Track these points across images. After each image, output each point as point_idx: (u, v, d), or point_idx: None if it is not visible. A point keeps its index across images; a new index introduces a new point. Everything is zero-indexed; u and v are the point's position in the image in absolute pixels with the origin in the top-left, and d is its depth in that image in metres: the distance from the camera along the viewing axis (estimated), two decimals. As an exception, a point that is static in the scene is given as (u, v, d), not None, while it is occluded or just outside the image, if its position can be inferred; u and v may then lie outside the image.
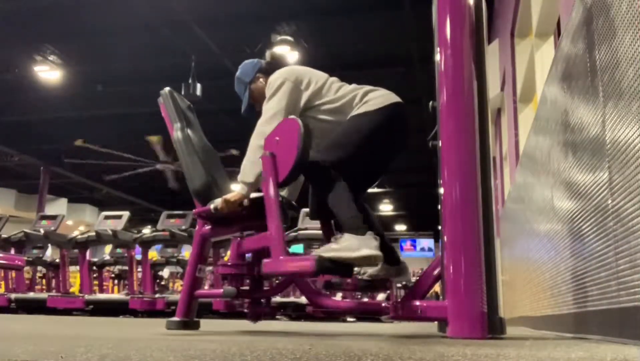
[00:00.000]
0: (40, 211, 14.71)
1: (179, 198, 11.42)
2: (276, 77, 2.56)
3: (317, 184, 2.45)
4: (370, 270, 2.61)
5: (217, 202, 2.54)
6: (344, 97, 2.51)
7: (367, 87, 2.53)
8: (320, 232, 2.85)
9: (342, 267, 2.17)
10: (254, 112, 2.72)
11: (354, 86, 2.57)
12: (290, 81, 2.52)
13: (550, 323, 3.19)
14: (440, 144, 2.24)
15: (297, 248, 7.43)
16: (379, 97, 2.47)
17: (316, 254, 2.19)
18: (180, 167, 11.41)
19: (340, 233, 2.63)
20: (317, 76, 2.60)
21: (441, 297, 2.21)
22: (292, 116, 2.38)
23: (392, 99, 2.48)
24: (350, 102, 2.49)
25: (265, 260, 2.34)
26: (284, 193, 2.80)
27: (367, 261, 2.17)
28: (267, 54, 2.85)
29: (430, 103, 2.34)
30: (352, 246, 2.14)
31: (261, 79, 2.75)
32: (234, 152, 10.63)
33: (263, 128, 2.48)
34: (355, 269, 2.43)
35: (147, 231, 8.92)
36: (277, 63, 2.74)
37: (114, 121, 12.21)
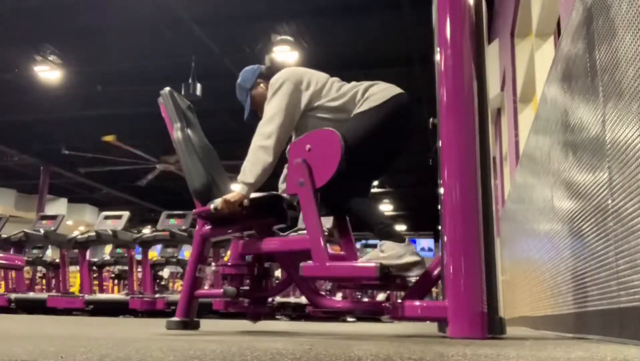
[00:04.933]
0: (40, 211, 14.70)
1: (179, 197, 11.40)
2: (277, 78, 2.57)
3: (330, 183, 2.44)
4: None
5: (217, 202, 2.54)
6: (345, 95, 2.52)
7: (367, 83, 2.54)
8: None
9: (387, 272, 2.27)
10: (257, 119, 2.73)
11: (353, 83, 2.58)
12: (291, 82, 2.52)
13: (550, 323, 3.19)
14: (440, 144, 2.23)
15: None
16: (381, 92, 2.48)
17: (370, 260, 2.29)
18: (179, 170, 11.43)
19: (351, 232, 2.65)
20: (318, 77, 2.60)
21: (441, 297, 2.21)
22: (329, 128, 2.40)
23: (394, 91, 2.50)
24: (352, 100, 2.50)
25: (306, 264, 2.34)
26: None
27: (411, 266, 2.30)
28: (267, 58, 2.87)
29: (431, 120, 2.31)
30: (398, 253, 2.29)
31: (262, 85, 2.76)
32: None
33: (264, 129, 2.48)
34: None
35: (147, 231, 8.91)
36: (276, 67, 2.75)
37: (113, 121, 12.19)
